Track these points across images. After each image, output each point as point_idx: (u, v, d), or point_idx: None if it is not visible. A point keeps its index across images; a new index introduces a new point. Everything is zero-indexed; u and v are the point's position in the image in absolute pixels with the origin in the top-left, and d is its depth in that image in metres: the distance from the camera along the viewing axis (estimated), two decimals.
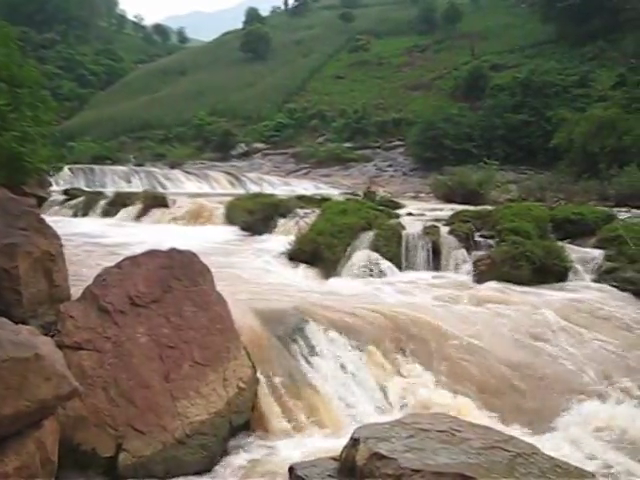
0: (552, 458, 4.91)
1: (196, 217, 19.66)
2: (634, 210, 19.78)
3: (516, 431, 6.34)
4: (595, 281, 12.40)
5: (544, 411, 7.10)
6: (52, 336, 5.84)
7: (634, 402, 7.41)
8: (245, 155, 44.62)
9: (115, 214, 20.90)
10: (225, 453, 6.13)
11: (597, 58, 40.58)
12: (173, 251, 6.86)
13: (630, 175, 23.85)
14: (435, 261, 13.53)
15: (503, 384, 7.64)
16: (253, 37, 62.88)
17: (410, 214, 17.77)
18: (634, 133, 27.33)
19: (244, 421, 6.51)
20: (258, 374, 6.79)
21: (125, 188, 29.02)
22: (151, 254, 6.78)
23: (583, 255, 13.10)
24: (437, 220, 15.48)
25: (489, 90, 39.71)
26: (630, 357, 8.72)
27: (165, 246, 7.03)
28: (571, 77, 37.45)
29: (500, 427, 6.25)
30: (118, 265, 6.62)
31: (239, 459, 6.09)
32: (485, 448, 4.90)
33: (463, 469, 4.54)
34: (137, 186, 30.41)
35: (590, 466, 5.52)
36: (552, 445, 5.86)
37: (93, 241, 15.38)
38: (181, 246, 7.20)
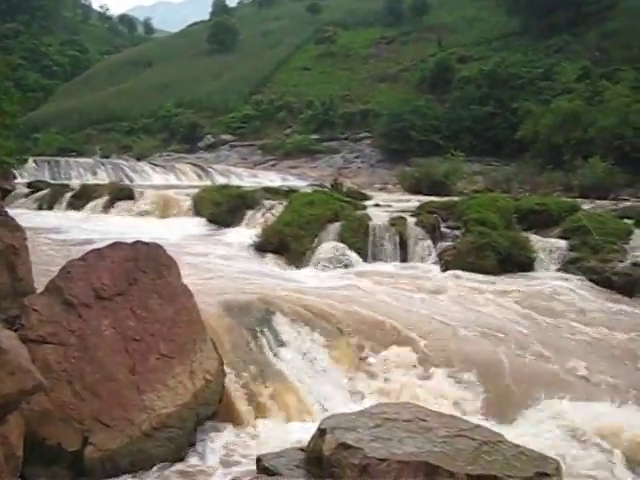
0: (517, 446, 4.99)
1: (163, 209, 19.55)
2: (597, 201, 20.09)
3: (482, 420, 6.41)
4: (559, 271, 12.62)
5: (509, 401, 7.17)
6: (16, 330, 5.76)
7: (597, 391, 7.53)
8: (212, 147, 44.35)
9: (81, 207, 20.71)
10: (192, 445, 6.11)
11: (562, 51, 40.94)
12: (138, 243, 6.80)
13: (593, 167, 24.18)
14: (402, 252, 13.65)
15: (471, 372, 7.70)
16: (220, 28, 62.45)
17: (377, 205, 17.86)
18: (598, 125, 27.65)
19: (211, 413, 6.50)
20: (225, 366, 6.78)
21: (91, 180, 28.75)
22: (116, 246, 6.71)
23: (547, 245, 13.29)
24: (404, 211, 15.60)
25: (456, 82, 39.89)
26: (593, 346, 8.86)
27: (131, 239, 6.97)
28: (536, 70, 37.70)
29: (467, 416, 6.30)
30: (83, 258, 6.55)
31: (206, 451, 6.08)
32: (450, 436, 4.96)
33: (428, 458, 4.60)
34: (103, 178, 30.12)
35: (554, 454, 5.59)
36: (517, 434, 5.92)
37: (58, 234, 15.24)
38: (147, 238, 7.16)
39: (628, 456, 5.99)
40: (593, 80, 33.26)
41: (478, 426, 5.39)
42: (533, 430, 6.46)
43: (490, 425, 5.97)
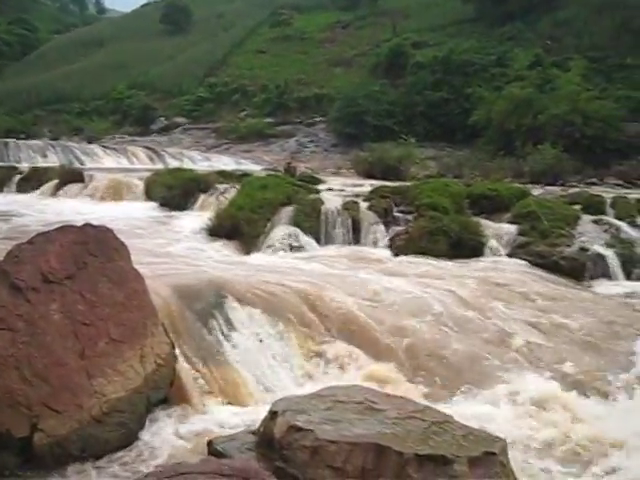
0: (465, 426, 5.08)
1: (114, 193, 19.27)
2: (547, 187, 20.43)
3: (433, 402, 6.49)
4: (509, 255, 12.86)
5: (459, 383, 7.29)
6: None
7: (544, 372, 7.70)
8: (165, 130, 43.82)
9: (30, 190, 20.34)
10: (143, 429, 6.08)
11: (514, 38, 41.28)
12: (87, 226, 6.71)
13: (544, 153, 24.60)
14: (354, 236, 13.73)
15: (421, 356, 7.81)
16: (173, 9, 61.51)
17: (330, 190, 17.88)
18: (548, 112, 28.07)
19: (163, 397, 6.47)
20: (176, 350, 6.75)
21: (41, 163, 28.11)
22: (64, 230, 6.61)
23: (498, 230, 13.52)
24: (357, 196, 15.66)
25: (410, 68, 39.97)
26: (541, 328, 9.04)
27: (81, 222, 6.87)
28: (489, 56, 37.99)
29: (417, 398, 6.39)
30: (30, 241, 6.44)
31: (158, 435, 6.06)
32: (400, 418, 5.02)
33: (378, 439, 4.65)
34: (53, 161, 29.46)
35: (501, 433, 5.70)
36: (466, 415, 6.02)
37: (6, 217, 14.95)
38: (97, 222, 7.07)
39: (572, 434, 6.15)
40: (545, 68, 33.66)
41: (428, 407, 5.47)
42: (482, 410, 6.59)
43: (440, 407, 6.06)
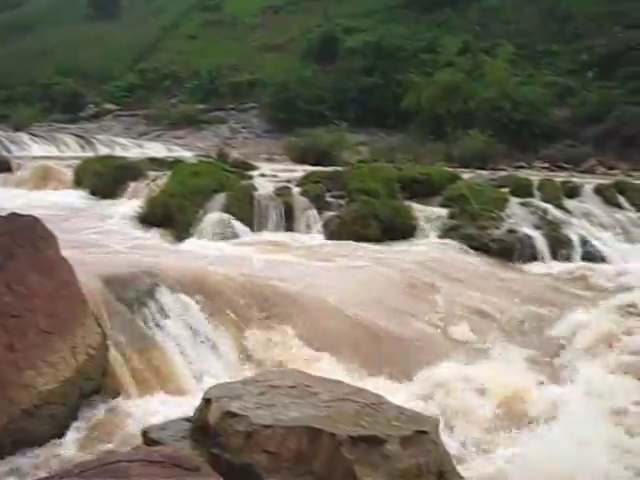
0: (397, 407, 5.15)
1: (43, 181, 18.80)
2: (477, 171, 20.82)
3: (370, 385, 6.58)
4: (440, 238, 13.07)
5: (391, 366, 7.40)
6: None
7: (475, 353, 7.89)
8: (95, 116, 42.96)
9: None
10: (76, 421, 6.01)
11: (444, 25, 41.79)
12: (14, 216, 6.55)
13: (473, 138, 25.09)
14: (287, 221, 13.76)
15: (358, 341, 7.90)
16: None
17: (263, 175, 17.83)
18: (478, 98, 28.63)
19: (95, 387, 6.39)
20: (108, 340, 6.68)
21: None
22: None
23: (429, 213, 13.76)
24: (289, 181, 15.67)
25: (342, 53, 40.11)
26: (471, 308, 9.26)
27: (7, 211, 6.72)
28: (420, 42, 38.41)
29: (354, 381, 6.46)
30: None
31: (90, 426, 5.99)
32: (334, 401, 5.07)
33: (311, 422, 4.69)
34: None
35: (434, 413, 5.85)
36: (404, 398, 6.15)
37: None
38: (25, 211, 6.91)
39: (502, 413, 6.36)
40: (474, 54, 34.22)
41: (361, 390, 5.53)
42: (415, 391, 6.72)
43: (373, 389, 6.16)
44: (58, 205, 15.07)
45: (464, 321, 8.75)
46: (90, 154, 27.21)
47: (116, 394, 6.50)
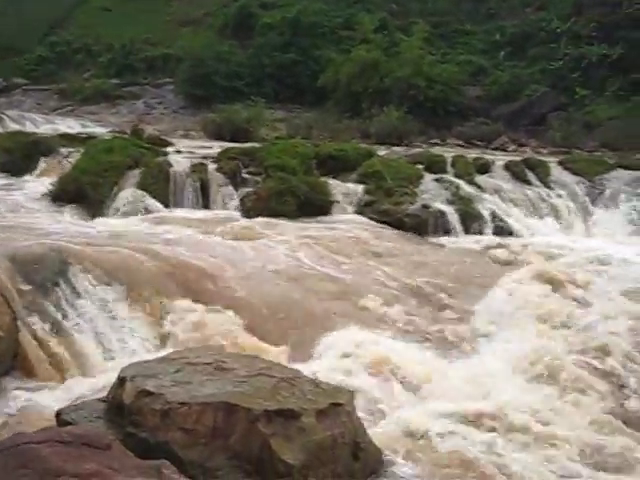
0: (312, 380, 5.24)
1: None
2: (393, 147, 21.07)
3: (282, 359, 6.63)
4: (356, 213, 13.23)
5: (306, 339, 7.48)
6: None
7: (387, 326, 8.04)
8: (3, 91, 41.30)
9: None
10: None
11: (361, 2, 41.78)
12: None
13: (389, 115, 25.35)
14: (203, 198, 13.66)
15: (270, 316, 7.93)
16: None
17: (179, 152, 17.56)
18: (393, 75, 28.86)
19: (6, 370, 6.27)
20: (19, 321, 6.52)
21: None
22: None
23: (345, 189, 13.87)
24: (205, 158, 15.49)
25: (259, 28, 39.70)
26: (384, 282, 9.41)
27: None
28: (337, 19, 38.36)
29: (268, 356, 6.50)
30: None
31: (3, 409, 5.85)
32: (250, 376, 5.10)
33: (228, 398, 4.71)
34: None
35: (348, 385, 5.94)
36: (315, 370, 6.21)
37: None
38: None
39: (409, 384, 6.59)
40: (390, 31, 34.41)
41: (277, 364, 5.59)
42: (330, 364, 6.80)
43: (289, 363, 6.22)
44: None
45: (376, 295, 8.86)
46: None
47: (28, 376, 6.38)
